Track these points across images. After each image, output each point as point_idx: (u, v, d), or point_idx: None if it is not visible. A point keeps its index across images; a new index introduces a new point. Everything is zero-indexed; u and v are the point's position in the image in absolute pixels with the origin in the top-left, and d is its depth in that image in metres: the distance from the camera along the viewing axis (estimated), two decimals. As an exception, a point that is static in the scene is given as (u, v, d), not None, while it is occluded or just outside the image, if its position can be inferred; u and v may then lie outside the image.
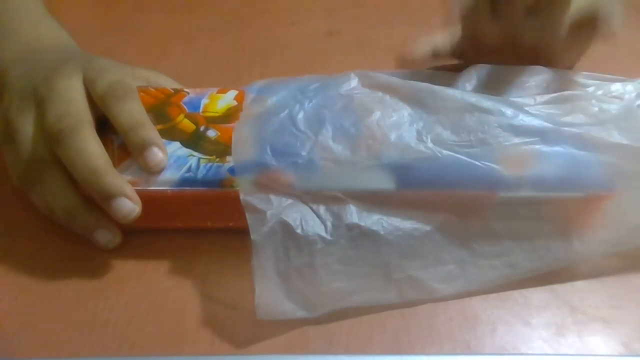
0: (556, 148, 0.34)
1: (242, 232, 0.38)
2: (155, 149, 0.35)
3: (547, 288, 0.35)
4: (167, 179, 0.35)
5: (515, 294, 0.35)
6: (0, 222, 0.39)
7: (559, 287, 0.35)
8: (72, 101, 0.36)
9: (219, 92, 0.40)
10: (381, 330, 0.33)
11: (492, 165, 0.34)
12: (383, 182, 0.34)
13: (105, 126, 0.37)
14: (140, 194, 0.35)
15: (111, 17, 0.60)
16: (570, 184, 0.34)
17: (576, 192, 0.34)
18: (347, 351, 0.32)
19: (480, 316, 0.34)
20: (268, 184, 0.33)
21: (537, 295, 0.35)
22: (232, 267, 0.36)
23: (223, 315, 0.34)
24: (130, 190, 0.34)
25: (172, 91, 0.40)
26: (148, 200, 0.35)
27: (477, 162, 0.34)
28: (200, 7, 0.61)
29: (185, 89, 0.41)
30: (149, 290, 0.35)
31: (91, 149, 0.34)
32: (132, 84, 0.38)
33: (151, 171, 0.35)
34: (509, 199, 0.34)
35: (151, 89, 0.40)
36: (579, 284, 0.35)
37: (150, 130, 0.36)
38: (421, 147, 0.34)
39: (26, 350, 0.32)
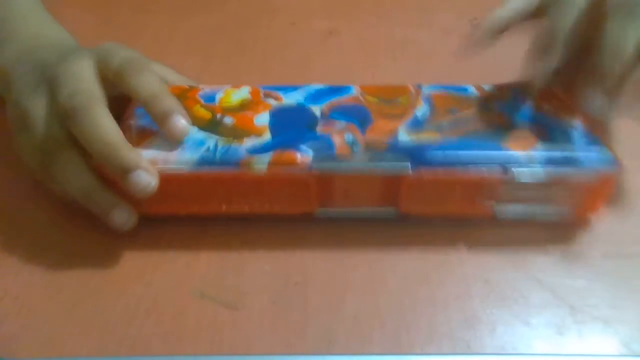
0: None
1: (244, 231, 0.38)
2: (178, 116, 0.36)
3: (547, 288, 0.35)
4: (186, 159, 0.35)
5: (515, 294, 0.35)
6: (0, 224, 0.39)
7: (559, 287, 0.35)
8: (83, 80, 0.36)
9: (232, 87, 0.41)
10: (381, 330, 0.33)
11: (502, 145, 0.36)
12: (399, 163, 0.35)
13: (119, 116, 0.38)
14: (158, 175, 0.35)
15: (111, 17, 0.60)
16: (577, 162, 0.35)
17: (584, 169, 0.35)
18: (347, 351, 0.32)
19: (480, 316, 0.34)
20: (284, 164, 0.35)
21: (537, 295, 0.35)
22: (232, 267, 0.36)
23: (223, 315, 0.34)
24: (146, 163, 0.34)
25: (187, 87, 0.41)
26: (166, 181, 0.35)
27: (488, 143, 0.36)
28: (200, 7, 0.61)
29: (200, 85, 0.41)
30: (148, 290, 0.35)
31: (105, 123, 0.35)
32: (146, 59, 0.38)
33: (176, 138, 0.36)
34: (520, 177, 0.35)
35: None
36: (579, 284, 0.35)
37: (171, 99, 0.37)
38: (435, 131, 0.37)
39: (26, 350, 0.32)
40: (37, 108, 0.36)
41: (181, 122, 0.36)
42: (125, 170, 0.34)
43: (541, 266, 0.36)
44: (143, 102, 0.36)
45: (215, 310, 0.34)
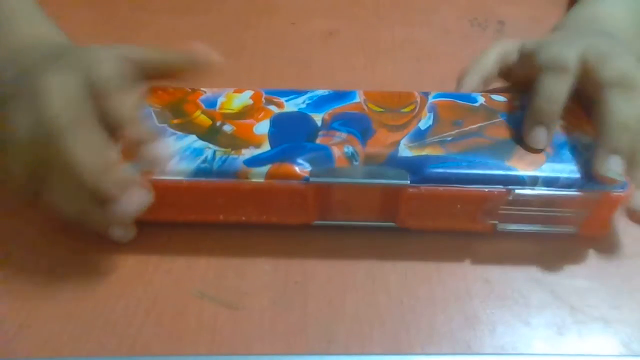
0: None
1: (244, 236, 0.38)
2: (152, 145, 0.35)
3: (547, 288, 0.35)
4: (182, 169, 0.35)
5: (515, 294, 0.35)
6: (0, 223, 0.39)
7: (559, 287, 0.35)
8: (68, 97, 0.34)
9: (235, 91, 0.41)
10: (381, 330, 0.33)
11: (506, 163, 0.35)
12: (398, 177, 0.35)
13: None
14: (154, 184, 0.34)
15: (111, 17, 0.60)
16: (584, 183, 0.34)
17: (591, 192, 0.34)
18: (347, 351, 0.32)
19: (480, 316, 0.34)
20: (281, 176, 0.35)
21: (537, 295, 0.35)
22: (232, 267, 0.36)
23: (223, 315, 0.34)
24: (137, 181, 0.34)
25: (189, 90, 0.41)
26: (163, 190, 0.35)
27: (491, 160, 0.35)
28: (200, 7, 0.61)
29: (202, 89, 0.41)
30: (148, 290, 0.35)
31: (92, 146, 0.33)
32: (126, 76, 0.36)
33: (153, 166, 0.35)
34: (523, 197, 0.34)
35: (169, 88, 0.40)
36: (579, 284, 0.35)
37: (140, 127, 0.35)
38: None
39: (26, 350, 0.32)
40: (21, 129, 0.34)
41: (155, 151, 0.35)
42: (113, 195, 0.33)
43: (541, 266, 0.36)
44: (116, 126, 0.35)
45: (215, 310, 0.34)
